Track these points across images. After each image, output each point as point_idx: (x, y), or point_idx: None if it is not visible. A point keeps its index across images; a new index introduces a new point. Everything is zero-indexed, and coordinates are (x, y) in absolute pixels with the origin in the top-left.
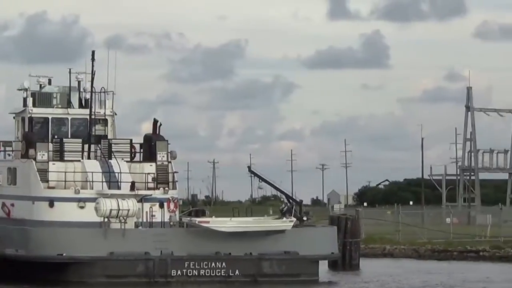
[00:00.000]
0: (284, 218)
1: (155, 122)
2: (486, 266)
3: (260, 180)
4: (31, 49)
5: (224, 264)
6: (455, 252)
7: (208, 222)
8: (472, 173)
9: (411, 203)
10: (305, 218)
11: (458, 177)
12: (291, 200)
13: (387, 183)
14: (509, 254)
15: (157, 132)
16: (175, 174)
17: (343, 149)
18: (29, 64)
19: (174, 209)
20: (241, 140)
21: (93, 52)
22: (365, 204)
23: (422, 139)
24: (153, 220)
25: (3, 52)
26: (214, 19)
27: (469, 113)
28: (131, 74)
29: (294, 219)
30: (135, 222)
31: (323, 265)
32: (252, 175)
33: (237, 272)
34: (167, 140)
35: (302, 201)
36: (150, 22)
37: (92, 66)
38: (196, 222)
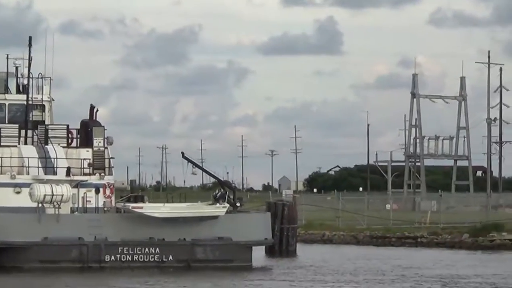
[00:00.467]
0: (218, 204)
1: (92, 107)
2: (422, 252)
3: (194, 166)
4: None
5: (157, 249)
6: (394, 238)
7: (141, 207)
8: (418, 160)
9: (360, 189)
10: (238, 204)
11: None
12: (223, 187)
13: (337, 169)
14: (446, 240)
15: (94, 118)
16: (111, 159)
17: (299, 134)
18: None
19: (110, 194)
20: (194, 125)
21: (30, 38)
22: (314, 190)
23: (368, 125)
24: (89, 206)
25: None
26: (168, 5)
27: (415, 100)
28: (86, 59)
29: (228, 205)
30: (71, 208)
31: (261, 251)
32: (187, 161)
33: (170, 257)
34: (104, 126)
35: (236, 187)
36: (104, 7)
37: (29, 52)
38: (130, 208)
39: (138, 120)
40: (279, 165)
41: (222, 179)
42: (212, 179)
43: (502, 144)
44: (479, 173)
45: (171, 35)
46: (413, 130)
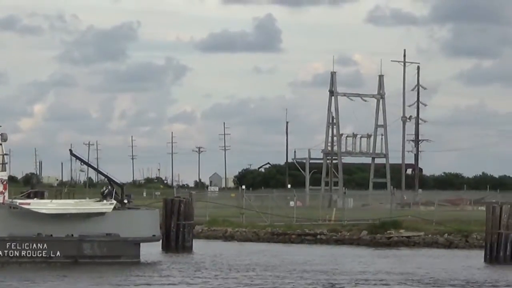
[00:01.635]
0: (105, 201)
1: None
2: (318, 248)
3: (82, 163)
4: None
5: (45, 245)
6: (293, 235)
7: (28, 204)
8: (335, 157)
9: (289, 186)
10: (126, 201)
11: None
12: (111, 184)
13: (268, 166)
14: (345, 237)
15: None
16: (5, 156)
17: (233, 131)
18: None
19: (3, 190)
20: (132, 122)
21: None
22: (243, 187)
23: (287, 123)
24: None
25: None
26: (107, 1)
27: (333, 97)
28: (24, 55)
29: (115, 202)
30: None
31: (157, 247)
32: (75, 157)
33: (58, 253)
34: None
35: (124, 184)
36: (43, 3)
37: None
38: (17, 204)
39: (77, 117)
40: (214, 162)
41: (110, 176)
42: (145, 175)
43: (419, 142)
44: (409, 171)
45: (109, 32)
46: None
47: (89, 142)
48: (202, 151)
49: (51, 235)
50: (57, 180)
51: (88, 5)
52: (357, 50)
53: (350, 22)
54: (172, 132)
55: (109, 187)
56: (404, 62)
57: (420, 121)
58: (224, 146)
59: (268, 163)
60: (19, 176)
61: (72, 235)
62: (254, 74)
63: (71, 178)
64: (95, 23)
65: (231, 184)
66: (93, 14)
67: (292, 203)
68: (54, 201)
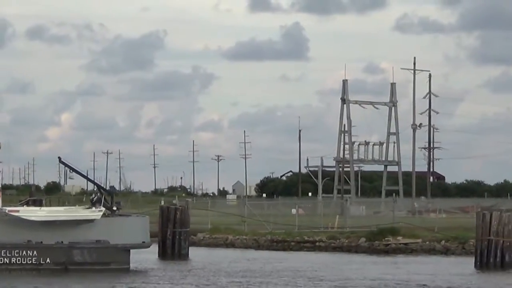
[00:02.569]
0: (94, 208)
1: None
2: (314, 255)
3: (71, 171)
4: None
5: (35, 252)
6: (293, 242)
7: (18, 211)
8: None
9: (310, 194)
10: (115, 208)
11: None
12: (100, 191)
13: (290, 174)
14: (343, 245)
15: None
16: None
17: (260, 139)
18: None
19: None
20: (159, 131)
21: None
22: (264, 195)
23: (300, 130)
24: None
25: None
26: (135, 11)
27: (345, 105)
28: (52, 64)
29: (103, 209)
30: None
31: (153, 254)
32: (65, 165)
33: (48, 260)
34: None
35: (113, 191)
36: (72, 13)
37: None
38: (6, 211)
39: (104, 125)
40: (238, 170)
41: (99, 184)
42: (168, 184)
43: (432, 150)
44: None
45: (137, 41)
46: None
47: (107, 151)
48: (221, 159)
49: (41, 242)
50: (82, 189)
51: (115, 14)
52: (384, 58)
53: (377, 30)
54: (193, 141)
55: (98, 194)
56: (414, 70)
57: (435, 129)
58: (245, 154)
59: (291, 171)
60: (43, 184)
61: (62, 242)
62: (281, 83)
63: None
64: (122, 32)
65: (253, 193)
66: (121, 23)
67: (294, 211)
68: (43, 208)
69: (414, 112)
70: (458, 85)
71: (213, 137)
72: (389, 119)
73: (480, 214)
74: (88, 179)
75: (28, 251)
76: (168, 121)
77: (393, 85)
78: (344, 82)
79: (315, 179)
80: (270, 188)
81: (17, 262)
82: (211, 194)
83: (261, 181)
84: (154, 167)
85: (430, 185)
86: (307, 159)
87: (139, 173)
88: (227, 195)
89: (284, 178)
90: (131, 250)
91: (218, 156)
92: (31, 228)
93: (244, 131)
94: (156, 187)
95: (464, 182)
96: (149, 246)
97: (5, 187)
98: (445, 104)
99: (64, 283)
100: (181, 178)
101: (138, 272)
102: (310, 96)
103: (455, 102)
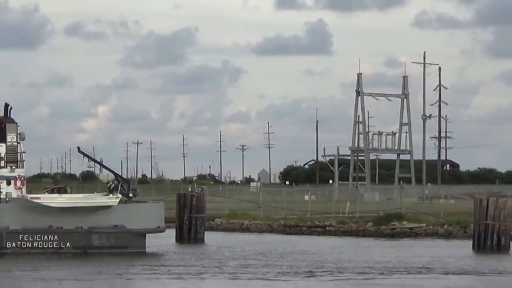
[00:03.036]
0: (111, 195)
1: (6, 105)
2: (324, 239)
3: (89, 160)
4: None
5: (56, 236)
6: (304, 227)
7: (39, 198)
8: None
9: (330, 181)
10: (131, 195)
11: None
12: (118, 179)
13: (312, 162)
14: (352, 229)
15: (8, 115)
16: (23, 154)
17: (286, 130)
18: None
19: (21, 186)
20: (190, 122)
21: None
22: (287, 182)
23: (317, 121)
24: (6, 197)
25: None
26: (167, 8)
27: (359, 97)
28: (89, 59)
29: (120, 196)
30: None
31: (171, 239)
32: (83, 155)
33: (68, 244)
34: (17, 123)
35: (129, 179)
36: (107, 10)
37: None
38: (28, 198)
39: (138, 117)
40: (264, 159)
41: (116, 172)
42: (204, 173)
43: (442, 139)
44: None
45: (169, 37)
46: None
47: (137, 141)
48: (246, 149)
49: (62, 227)
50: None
51: (149, 11)
52: (404, 53)
53: (397, 26)
54: (220, 132)
55: (115, 182)
56: (424, 64)
57: (446, 120)
58: (269, 144)
59: (313, 160)
60: (78, 173)
61: (81, 227)
62: (306, 76)
63: (127, 174)
64: (155, 29)
65: (277, 180)
66: (154, 20)
67: (306, 197)
68: (63, 195)
69: (424, 103)
70: (474, 78)
71: (241, 128)
72: (402, 111)
73: (477, 199)
74: (105, 167)
75: (50, 236)
76: (198, 113)
77: (405, 78)
78: (359, 75)
79: (331, 167)
80: (293, 176)
81: (39, 246)
82: (239, 182)
83: (284, 169)
84: (184, 156)
85: (440, 172)
86: (324, 148)
87: (171, 162)
88: (251, 183)
89: (306, 166)
90: (147, 235)
91: (242, 146)
92: (52, 214)
93: (268, 122)
94: (186, 176)
95: (477, 169)
96: (164, 231)
97: (42, 176)
98: (461, 95)
99: (82, 265)
100: (210, 167)
101: (153, 255)
102: (334, 89)
103: (471, 94)
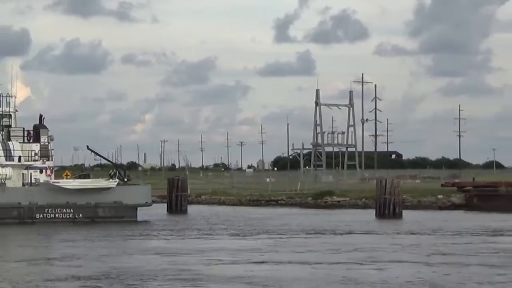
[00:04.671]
0: (111, 180)
1: (40, 116)
2: (276, 209)
3: (96, 155)
4: (70, 64)
5: (72, 210)
6: (263, 201)
7: (58, 182)
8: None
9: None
10: (126, 180)
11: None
12: (116, 168)
13: (294, 154)
14: (297, 202)
15: (42, 123)
16: (52, 150)
17: (279, 130)
18: (68, 75)
19: (50, 173)
20: (213, 125)
21: None
22: (275, 168)
23: (288, 124)
24: (33, 182)
25: (47, 66)
26: (196, 42)
27: (317, 107)
28: (138, 80)
29: (118, 180)
30: (23, 182)
31: (163, 209)
32: (91, 151)
33: (80, 215)
34: (47, 128)
35: (125, 167)
36: (152, 44)
37: None
38: (51, 182)
39: (175, 122)
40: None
41: (116, 163)
42: (218, 162)
43: (377, 136)
44: (393, 156)
45: (196, 63)
46: (318, 127)
47: (163, 140)
48: (244, 145)
49: (76, 203)
50: (152, 166)
51: (182, 45)
52: (367, 74)
53: (363, 54)
54: (227, 132)
55: (115, 170)
56: (362, 83)
57: (379, 122)
58: (262, 140)
59: (295, 152)
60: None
61: (90, 203)
62: (296, 91)
63: (163, 164)
64: (187, 58)
65: (269, 167)
66: (186, 51)
67: (268, 179)
68: (76, 180)
69: (363, 111)
70: (418, 91)
71: (249, 129)
72: (349, 116)
73: (378, 180)
74: (109, 161)
75: (67, 209)
76: (218, 119)
77: (351, 92)
78: (317, 91)
79: (298, 158)
80: (281, 164)
81: (59, 217)
82: (244, 169)
83: (274, 159)
84: (202, 150)
85: (376, 160)
86: (293, 144)
87: (197, 154)
88: (246, 169)
89: (290, 157)
90: (138, 208)
91: (241, 142)
92: (68, 194)
93: (261, 125)
94: (204, 164)
95: (415, 158)
96: (150, 205)
97: (98, 166)
98: (409, 104)
99: (91, 230)
100: (221, 158)
101: (143, 222)
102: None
103: (416, 103)
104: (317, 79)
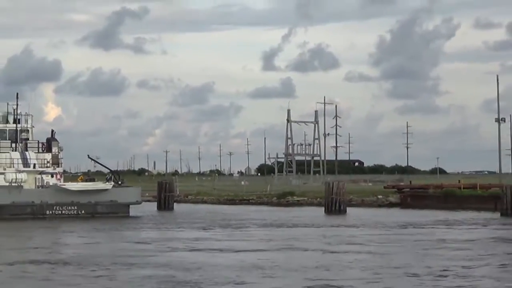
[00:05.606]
0: (107, 183)
1: (52, 131)
2: (247, 207)
3: (95, 163)
4: (94, 88)
5: (75, 207)
6: (237, 200)
7: (64, 185)
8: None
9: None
10: (120, 183)
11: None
12: (112, 173)
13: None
14: (264, 201)
15: (53, 136)
16: (61, 159)
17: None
18: (93, 97)
19: (60, 177)
20: (211, 139)
21: (17, 94)
22: (259, 174)
23: (265, 138)
24: (45, 184)
25: (76, 90)
26: (198, 70)
27: (288, 124)
28: (150, 102)
29: (113, 183)
30: (37, 185)
31: (154, 207)
32: (91, 159)
33: (83, 211)
34: (58, 141)
35: (119, 172)
36: (161, 72)
37: (17, 102)
38: (59, 185)
39: (180, 136)
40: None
41: (112, 170)
42: (213, 168)
43: (338, 148)
44: (356, 164)
45: (198, 87)
46: (289, 140)
47: (167, 151)
48: (232, 154)
49: (79, 201)
50: (158, 172)
51: (186, 72)
52: (338, 97)
53: (335, 80)
54: (220, 144)
55: (110, 175)
56: (324, 103)
57: (339, 135)
58: (247, 151)
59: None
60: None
61: (90, 201)
62: (280, 111)
63: (166, 169)
64: (190, 83)
65: (255, 173)
66: (189, 77)
67: (243, 183)
68: (79, 183)
69: (325, 127)
70: (379, 110)
71: (240, 141)
72: (314, 131)
73: (326, 183)
74: (106, 168)
75: (72, 207)
76: (215, 133)
77: (316, 112)
78: (288, 111)
79: (273, 165)
80: (263, 170)
81: (66, 213)
82: (234, 174)
83: (258, 166)
84: (199, 159)
85: (337, 166)
86: (268, 154)
87: (197, 162)
88: (234, 174)
89: (271, 164)
90: (130, 206)
91: (230, 152)
92: (72, 194)
93: (247, 139)
94: (201, 170)
95: (373, 165)
96: (140, 203)
97: (114, 172)
98: (372, 121)
99: (91, 224)
100: (215, 165)
101: (133, 217)
102: (294, 119)
103: (378, 120)
104: (296, 101)
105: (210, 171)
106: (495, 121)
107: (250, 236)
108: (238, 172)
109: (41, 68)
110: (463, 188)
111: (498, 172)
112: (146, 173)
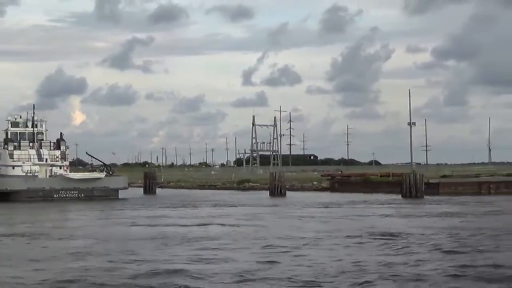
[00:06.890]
0: (101, 173)
1: (61, 133)
2: (214, 191)
3: (92, 157)
4: (112, 100)
5: (76, 191)
6: (206, 186)
7: (68, 174)
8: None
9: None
10: (111, 173)
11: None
12: (105, 166)
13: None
14: (227, 186)
15: (61, 137)
16: (67, 155)
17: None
18: (110, 106)
19: (66, 169)
20: (202, 139)
21: (33, 105)
22: (235, 165)
23: (235, 138)
24: (54, 174)
25: (97, 101)
26: (192, 85)
27: (253, 127)
28: (155, 110)
29: (105, 173)
30: (49, 175)
31: (140, 191)
32: (89, 155)
33: (82, 195)
34: (65, 141)
35: (110, 165)
36: (164, 86)
37: (33, 109)
38: (64, 175)
39: (179, 137)
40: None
41: (104, 163)
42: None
43: (295, 144)
44: (312, 157)
45: (192, 99)
46: (254, 139)
47: (163, 148)
48: (213, 150)
49: (79, 187)
50: (158, 165)
51: (183, 86)
52: (300, 105)
53: (298, 93)
54: (206, 143)
55: (103, 167)
56: (280, 111)
57: (292, 136)
58: (226, 147)
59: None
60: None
61: (88, 187)
62: (256, 118)
63: (162, 161)
64: (186, 95)
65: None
66: (185, 91)
67: (213, 172)
68: (78, 173)
69: (280, 129)
70: (332, 116)
71: (224, 141)
72: (273, 132)
73: (271, 172)
74: (101, 161)
75: (74, 191)
76: (205, 134)
77: (275, 118)
78: (253, 117)
79: (243, 160)
80: (239, 163)
81: (69, 196)
82: (215, 166)
83: (235, 160)
84: (190, 154)
85: (291, 159)
86: (238, 150)
87: (188, 157)
88: (214, 166)
89: (243, 158)
90: (119, 190)
91: (212, 148)
92: (75, 181)
93: (226, 138)
94: (192, 163)
95: (323, 159)
96: (127, 188)
97: (126, 164)
98: (327, 125)
99: (90, 205)
100: (203, 159)
101: (121, 199)
102: (267, 123)
103: (331, 124)
104: (267, 109)
105: (199, 163)
106: (408, 124)
107: (197, 214)
108: (221, 164)
109: (70, 84)
110: (380, 176)
111: (424, 164)
112: (147, 165)
